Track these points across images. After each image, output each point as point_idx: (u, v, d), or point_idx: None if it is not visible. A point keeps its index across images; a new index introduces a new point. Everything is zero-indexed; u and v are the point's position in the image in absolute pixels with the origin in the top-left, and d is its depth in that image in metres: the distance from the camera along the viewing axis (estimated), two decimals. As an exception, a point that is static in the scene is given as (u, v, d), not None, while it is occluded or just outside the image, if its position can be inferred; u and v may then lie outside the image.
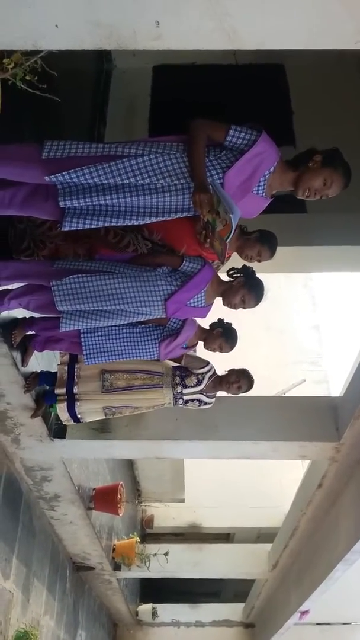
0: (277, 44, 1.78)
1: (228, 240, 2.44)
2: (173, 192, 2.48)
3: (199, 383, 3.46)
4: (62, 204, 2.44)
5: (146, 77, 5.79)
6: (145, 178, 2.43)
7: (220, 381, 3.48)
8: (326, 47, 1.81)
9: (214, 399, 3.57)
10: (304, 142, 5.07)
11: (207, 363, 3.50)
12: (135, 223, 2.56)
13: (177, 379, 3.47)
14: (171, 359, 3.47)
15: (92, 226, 2.52)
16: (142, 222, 2.57)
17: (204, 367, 3.47)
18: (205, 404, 3.55)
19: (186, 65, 5.70)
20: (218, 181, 2.47)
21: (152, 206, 2.50)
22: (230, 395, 3.54)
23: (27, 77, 2.03)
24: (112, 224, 2.54)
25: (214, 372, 3.51)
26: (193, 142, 2.46)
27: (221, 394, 3.58)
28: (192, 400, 3.51)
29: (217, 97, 5.35)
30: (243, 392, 3.47)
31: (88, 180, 2.41)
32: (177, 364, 3.52)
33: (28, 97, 2.21)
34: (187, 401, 3.50)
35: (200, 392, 3.48)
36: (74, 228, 2.50)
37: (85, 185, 2.43)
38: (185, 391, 3.46)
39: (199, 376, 3.46)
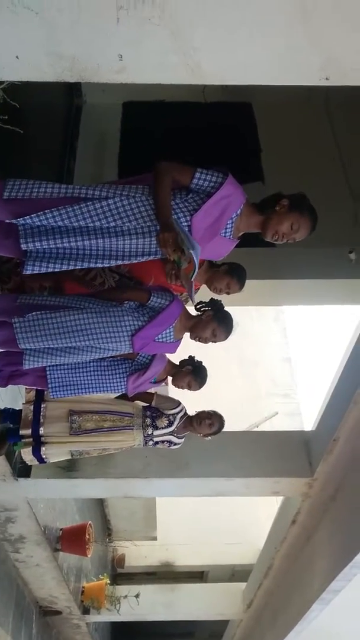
0: (241, 80, 1.77)
1: (193, 278, 2.40)
2: (140, 234, 2.42)
3: (170, 424, 3.38)
4: (23, 247, 2.36)
5: (116, 113, 5.84)
6: (110, 221, 2.38)
7: (191, 421, 3.41)
8: (290, 84, 1.81)
9: (183, 439, 3.49)
10: (272, 178, 5.14)
11: (179, 403, 3.42)
12: (100, 266, 2.50)
13: (148, 420, 3.38)
14: (141, 399, 3.40)
15: (56, 269, 2.44)
16: (107, 265, 2.51)
17: (175, 408, 3.39)
18: (175, 444, 3.46)
19: (155, 102, 5.78)
20: (185, 224, 2.43)
21: (118, 249, 2.44)
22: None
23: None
24: (77, 267, 2.47)
25: (185, 413, 3.44)
26: (158, 184, 2.42)
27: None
28: (163, 441, 3.42)
29: (186, 134, 5.41)
30: (214, 432, 3.40)
31: (52, 224, 2.34)
32: (147, 404, 3.44)
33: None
34: (157, 442, 3.41)
35: (171, 433, 3.40)
36: (37, 272, 2.42)
37: (49, 227, 2.36)
38: (156, 432, 3.37)
39: (170, 417, 3.38)
